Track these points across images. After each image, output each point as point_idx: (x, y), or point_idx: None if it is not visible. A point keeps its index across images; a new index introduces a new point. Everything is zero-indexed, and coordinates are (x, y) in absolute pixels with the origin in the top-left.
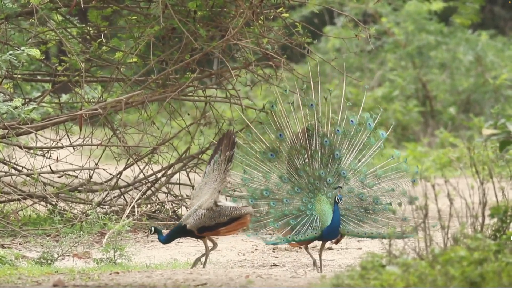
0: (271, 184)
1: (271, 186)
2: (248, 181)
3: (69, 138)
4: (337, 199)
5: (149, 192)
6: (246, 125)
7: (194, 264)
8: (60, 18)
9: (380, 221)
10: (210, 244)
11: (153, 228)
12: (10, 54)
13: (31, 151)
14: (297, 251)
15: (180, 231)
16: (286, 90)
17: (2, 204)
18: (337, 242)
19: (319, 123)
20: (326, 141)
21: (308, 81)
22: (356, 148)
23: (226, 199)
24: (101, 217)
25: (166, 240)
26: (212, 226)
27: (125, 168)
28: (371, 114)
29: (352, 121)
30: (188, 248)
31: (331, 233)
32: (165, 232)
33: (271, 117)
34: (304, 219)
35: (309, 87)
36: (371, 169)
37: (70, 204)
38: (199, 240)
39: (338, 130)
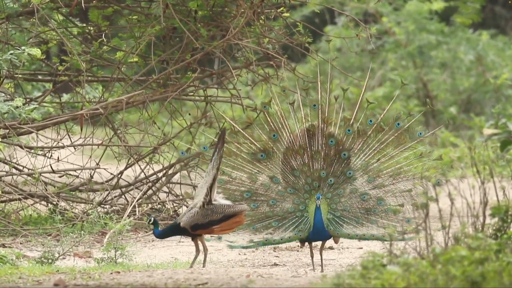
0: (257, 185)
1: (256, 187)
2: (224, 183)
3: (70, 138)
4: (315, 198)
5: (150, 191)
6: (233, 127)
7: (192, 263)
8: (61, 17)
9: (379, 222)
10: (201, 247)
11: (152, 219)
12: (11, 54)
13: (32, 150)
14: (298, 251)
15: (175, 229)
16: (284, 90)
17: (3, 204)
18: (336, 242)
19: (324, 123)
20: (331, 141)
21: (312, 81)
22: (374, 148)
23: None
24: (102, 216)
25: (160, 235)
26: (205, 223)
27: (126, 168)
28: (408, 113)
29: (370, 120)
30: (189, 248)
31: (316, 235)
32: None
33: (264, 117)
34: (291, 221)
35: (314, 87)
36: (389, 169)
37: (71, 204)
38: (193, 239)
39: (349, 130)
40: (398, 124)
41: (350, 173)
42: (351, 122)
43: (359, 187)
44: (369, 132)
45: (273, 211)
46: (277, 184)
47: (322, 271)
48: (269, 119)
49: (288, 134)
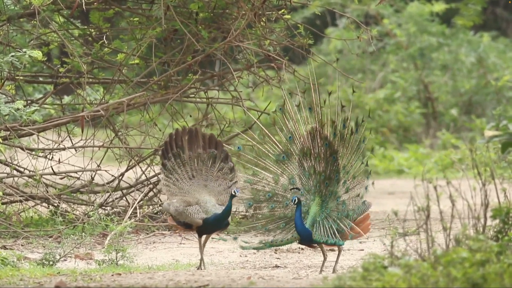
0: (279, 186)
1: (277, 188)
2: (253, 182)
3: (71, 140)
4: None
5: (151, 193)
6: (257, 128)
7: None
8: (62, 19)
9: (339, 227)
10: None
11: (234, 192)
12: (12, 56)
13: (33, 152)
14: (299, 252)
15: (221, 222)
16: (290, 93)
17: (4, 206)
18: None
19: (321, 126)
20: (326, 144)
21: (308, 82)
22: (351, 151)
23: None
24: (103, 218)
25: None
26: None
27: (127, 170)
28: (362, 118)
29: (344, 125)
30: (190, 250)
31: (303, 237)
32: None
33: (282, 119)
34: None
35: (311, 89)
36: (351, 172)
37: (72, 206)
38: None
39: (334, 134)
40: (356, 130)
41: (337, 176)
42: (335, 125)
43: (338, 190)
44: (345, 136)
45: (285, 212)
46: (293, 185)
47: (334, 271)
48: (285, 121)
49: (299, 136)
